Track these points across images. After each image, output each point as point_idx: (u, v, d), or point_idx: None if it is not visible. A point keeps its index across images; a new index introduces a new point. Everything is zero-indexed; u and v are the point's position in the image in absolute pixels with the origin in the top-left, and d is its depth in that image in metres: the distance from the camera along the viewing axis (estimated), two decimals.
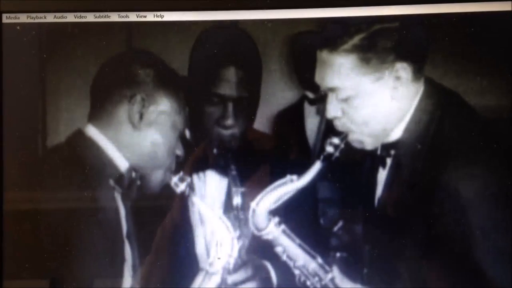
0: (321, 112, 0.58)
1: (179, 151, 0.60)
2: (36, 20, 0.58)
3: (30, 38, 0.58)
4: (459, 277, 0.55)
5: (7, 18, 0.58)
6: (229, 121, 0.59)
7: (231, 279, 0.59)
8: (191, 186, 0.59)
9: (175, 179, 0.59)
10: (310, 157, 0.58)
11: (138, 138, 0.59)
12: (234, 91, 0.59)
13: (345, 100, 0.56)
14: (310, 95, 0.58)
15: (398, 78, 0.56)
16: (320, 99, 0.58)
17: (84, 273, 0.58)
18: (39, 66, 0.58)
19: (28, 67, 0.58)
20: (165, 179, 0.59)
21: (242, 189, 0.59)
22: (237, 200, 0.59)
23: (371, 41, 0.56)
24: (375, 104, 0.56)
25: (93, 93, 0.59)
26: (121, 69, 0.59)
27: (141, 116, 0.58)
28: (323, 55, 0.57)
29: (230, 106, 0.59)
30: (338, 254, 0.58)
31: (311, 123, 0.59)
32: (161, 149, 0.59)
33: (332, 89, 0.57)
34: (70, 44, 0.58)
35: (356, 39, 0.56)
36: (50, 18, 0.58)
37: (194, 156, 0.60)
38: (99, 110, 0.59)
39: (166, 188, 0.59)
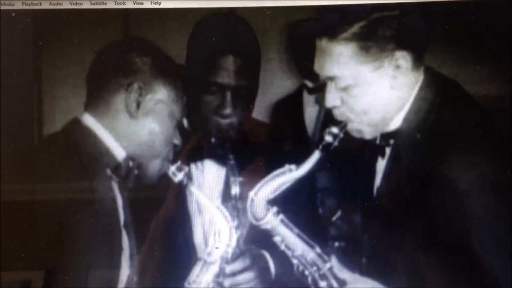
0: (320, 101, 0.58)
1: (177, 140, 0.59)
2: (31, 7, 0.57)
3: (26, 25, 0.57)
4: (457, 267, 0.55)
5: (2, 5, 0.57)
6: (227, 110, 0.58)
7: (229, 268, 0.58)
8: (189, 176, 0.58)
9: (172, 168, 0.58)
10: (309, 147, 0.57)
11: (135, 127, 0.58)
12: (232, 80, 0.58)
13: (344, 89, 0.56)
14: (309, 84, 0.58)
15: (397, 67, 0.55)
16: (319, 88, 0.57)
17: (80, 263, 0.58)
18: (35, 54, 0.58)
19: (24, 54, 0.58)
20: (163, 169, 0.59)
21: (240, 179, 0.58)
22: (235, 190, 0.58)
23: (371, 29, 0.55)
24: (374, 93, 0.56)
25: (89, 81, 0.58)
26: (118, 57, 0.58)
27: (138, 105, 0.58)
28: (323, 43, 0.56)
29: (228, 95, 0.58)
30: (336, 244, 0.57)
31: (310, 113, 0.58)
32: (159, 138, 0.58)
33: (331, 78, 0.56)
34: (66, 31, 0.57)
35: (355, 27, 0.55)
36: (45, 4, 0.57)
37: (192, 145, 0.59)
38: (96, 99, 0.58)
39: (164, 178, 0.58)
